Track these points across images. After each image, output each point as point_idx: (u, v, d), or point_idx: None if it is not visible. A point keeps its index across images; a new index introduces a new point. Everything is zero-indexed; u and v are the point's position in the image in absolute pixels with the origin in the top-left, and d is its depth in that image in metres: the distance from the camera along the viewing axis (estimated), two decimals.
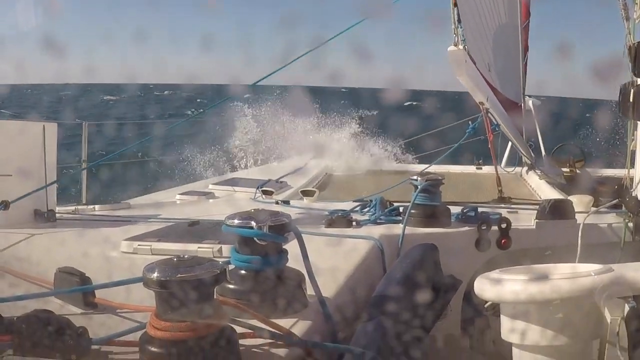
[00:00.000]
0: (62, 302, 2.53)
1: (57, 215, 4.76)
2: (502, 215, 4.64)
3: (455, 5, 5.93)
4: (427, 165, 8.66)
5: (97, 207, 5.55)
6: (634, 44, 4.72)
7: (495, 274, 3.14)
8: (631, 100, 4.68)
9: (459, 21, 5.95)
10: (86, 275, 2.56)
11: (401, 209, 4.64)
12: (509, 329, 3.03)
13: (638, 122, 4.95)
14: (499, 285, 2.97)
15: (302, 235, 2.45)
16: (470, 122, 8.64)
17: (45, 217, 4.57)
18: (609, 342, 2.80)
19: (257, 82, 4.99)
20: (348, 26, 5.46)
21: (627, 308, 2.76)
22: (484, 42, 7.88)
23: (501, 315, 3.07)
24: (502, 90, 8.61)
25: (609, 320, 2.75)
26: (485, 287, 3.08)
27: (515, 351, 3.08)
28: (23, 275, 2.99)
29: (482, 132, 8.48)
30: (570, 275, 2.93)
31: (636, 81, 4.74)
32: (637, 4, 4.94)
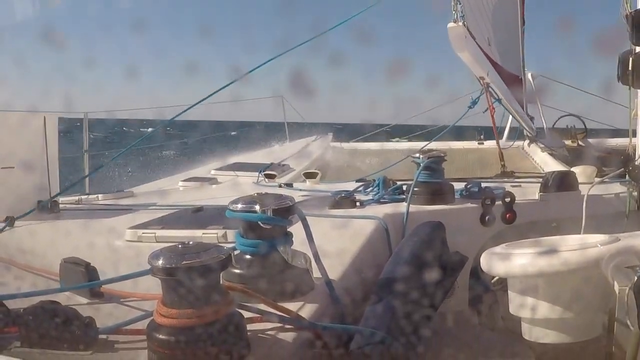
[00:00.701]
0: (68, 293, 2.53)
1: (61, 205, 4.76)
2: (506, 190, 4.63)
3: None
4: (427, 142, 8.65)
5: (100, 196, 5.55)
6: (632, 12, 4.69)
7: (501, 248, 3.13)
8: (630, 68, 4.67)
9: None
10: (91, 264, 2.56)
11: (404, 187, 4.64)
12: (517, 303, 3.03)
13: (638, 90, 4.94)
14: (506, 260, 2.97)
15: (307, 217, 2.44)
16: (471, 97, 8.62)
17: (49, 208, 4.57)
18: (618, 312, 2.80)
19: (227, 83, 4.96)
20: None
21: (635, 277, 2.75)
22: (483, 16, 7.85)
23: (509, 290, 3.07)
24: (503, 64, 8.59)
25: (617, 290, 2.74)
26: (492, 262, 3.07)
27: (524, 325, 3.08)
28: (28, 267, 2.98)
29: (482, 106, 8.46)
30: (577, 247, 2.92)
31: (635, 49, 4.72)
32: None
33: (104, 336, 2.00)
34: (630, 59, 4.66)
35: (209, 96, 5.00)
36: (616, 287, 2.75)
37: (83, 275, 2.51)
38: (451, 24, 5.88)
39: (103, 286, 2.49)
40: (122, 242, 3.56)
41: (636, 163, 4.76)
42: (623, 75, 4.81)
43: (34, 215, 4.46)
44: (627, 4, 4.87)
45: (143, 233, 3.59)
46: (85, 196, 5.58)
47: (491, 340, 3.85)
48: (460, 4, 5.93)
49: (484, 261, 3.14)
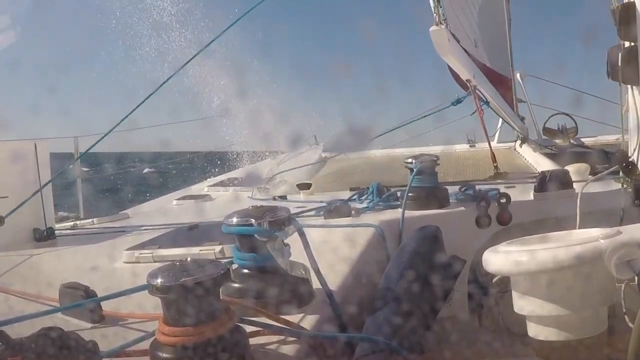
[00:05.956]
0: (69, 318, 2.52)
1: (57, 232, 4.75)
2: (500, 191, 4.64)
3: None
4: (419, 148, 8.67)
5: (95, 220, 5.55)
6: (618, 6, 4.71)
7: (502, 247, 3.11)
8: (619, 63, 4.69)
9: (439, 1, 5.94)
10: (90, 288, 2.55)
11: (398, 194, 4.65)
12: (522, 301, 3.01)
13: (627, 85, 4.94)
14: (508, 257, 2.95)
15: (303, 228, 2.44)
16: (456, 95, 8.64)
17: (44, 235, 4.56)
18: (621, 305, 2.80)
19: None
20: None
21: (638, 270, 2.74)
22: (468, 18, 7.89)
23: (512, 288, 3.06)
24: (492, 65, 8.62)
25: (619, 284, 2.75)
26: (494, 261, 3.05)
27: (530, 324, 3.06)
28: (27, 294, 2.97)
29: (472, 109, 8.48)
30: (578, 241, 2.90)
31: (623, 44, 4.74)
32: None
33: (107, 359, 1.99)
34: (619, 54, 4.67)
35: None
36: (619, 280, 2.75)
37: (83, 300, 2.51)
38: (433, 27, 5.88)
39: (104, 309, 2.48)
40: (120, 264, 3.56)
41: (629, 159, 4.75)
42: (612, 70, 4.83)
43: (31, 243, 4.46)
44: None
45: (140, 254, 3.58)
46: (81, 221, 5.58)
47: (493, 341, 3.85)
48: (441, 6, 5.94)
49: (486, 260, 3.11)
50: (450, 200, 4.56)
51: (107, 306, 2.50)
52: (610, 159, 5.27)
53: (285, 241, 2.45)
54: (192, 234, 4.09)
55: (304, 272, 2.48)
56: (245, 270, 2.41)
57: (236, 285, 2.35)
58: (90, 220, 5.58)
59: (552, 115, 11.12)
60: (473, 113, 8.43)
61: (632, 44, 4.68)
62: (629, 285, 2.70)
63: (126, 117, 4.34)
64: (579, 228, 3.87)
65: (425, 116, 9.01)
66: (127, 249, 3.66)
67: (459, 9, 7.42)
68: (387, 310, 2.62)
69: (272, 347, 2.05)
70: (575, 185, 4.74)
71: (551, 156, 8.16)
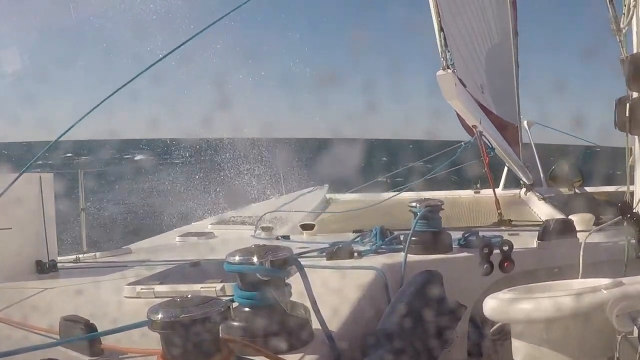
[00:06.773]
0: (68, 351, 2.52)
1: (59, 265, 4.75)
2: (504, 238, 4.62)
3: (442, 30, 5.97)
4: (424, 193, 8.66)
5: (98, 254, 5.56)
6: (627, 56, 4.73)
7: (503, 294, 3.10)
8: (627, 114, 4.69)
9: (446, 45, 5.98)
10: (91, 322, 2.55)
11: (402, 237, 4.64)
12: (520, 349, 3.00)
13: (635, 136, 4.95)
14: (508, 305, 2.95)
15: (305, 268, 2.45)
16: (462, 144, 8.65)
17: (47, 268, 4.57)
18: (622, 358, 2.78)
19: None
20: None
21: (639, 322, 2.72)
22: (475, 63, 7.92)
23: (512, 336, 3.05)
24: (498, 111, 8.63)
25: (620, 336, 2.73)
26: (494, 307, 3.04)
27: None
28: (28, 326, 2.97)
29: (478, 155, 8.47)
30: (580, 291, 2.90)
31: (631, 95, 4.75)
32: (624, 14, 4.93)
33: None
34: (627, 104, 4.68)
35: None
36: (619, 332, 2.73)
37: (83, 333, 2.51)
38: (440, 72, 5.90)
39: (103, 342, 2.49)
40: (121, 299, 3.55)
41: (634, 210, 4.74)
42: (620, 121, 4.83)
43: (33, 275, 4.46)
44: (622, 48, 4.90)
45: (141, 289, 3.57)
46: (83, 255, 5.58)
47: None
48: (449, 51, 5.98)
49: (486, 307, 3.10)
50: (453, 246, 4.56)
51: (106, 340, 2.50)
52: (615, 210, 5.25)
53: (286, 281, 2.46)
54: (194, 271, 4.08)
55: (304, 313, 2.48)
56: (246, 309, 2.41)
57: (236, 323, 2.35)
58: (92, 254, 5.58)
59: (558, 164, 11.12)
60: (479, 159, 8.43)
61: None
62: (625, 338, 2.69)
63: (90, 111, 4.26)
64: (582, 278, 3.86)
65: (439, 167, 9.03)
66: (129, 284, 3.66)
67: (466, 53, 7.46)
68: (384, 354, 2.62)
69: None
70: (579, 234, 4.73)
71: (556, 205, 8.16)
